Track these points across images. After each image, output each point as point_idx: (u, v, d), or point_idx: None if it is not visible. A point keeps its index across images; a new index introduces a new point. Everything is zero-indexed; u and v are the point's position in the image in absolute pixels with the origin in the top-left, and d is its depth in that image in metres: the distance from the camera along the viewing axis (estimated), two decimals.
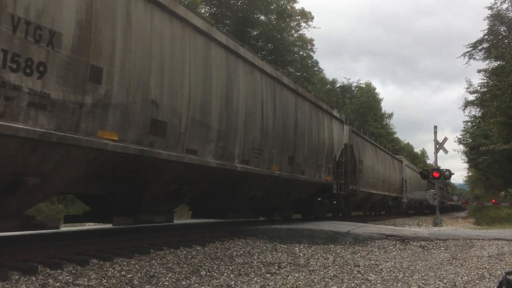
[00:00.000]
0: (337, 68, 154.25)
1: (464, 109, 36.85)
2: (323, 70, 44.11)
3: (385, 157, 23.07)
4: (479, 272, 5.54)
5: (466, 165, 50.99)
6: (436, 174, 19.14)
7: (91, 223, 9.32)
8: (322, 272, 5.56)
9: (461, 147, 40.12)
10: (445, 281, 5.07)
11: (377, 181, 20.60)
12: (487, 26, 30.48)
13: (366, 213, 23.39)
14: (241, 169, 8.00)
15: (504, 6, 29.07)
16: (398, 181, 26.01)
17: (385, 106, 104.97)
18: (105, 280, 4.42)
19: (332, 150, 12.89)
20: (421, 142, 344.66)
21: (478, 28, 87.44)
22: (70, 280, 4.25)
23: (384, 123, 52.22)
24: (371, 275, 5.41)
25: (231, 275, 5.22)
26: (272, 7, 32.23)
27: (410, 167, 31.33)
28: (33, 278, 4.16)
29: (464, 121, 39.21)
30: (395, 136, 56.94)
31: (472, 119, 36.97)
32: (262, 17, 32.52)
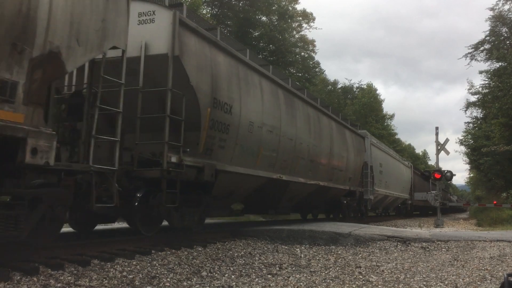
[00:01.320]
0: (339, 69, 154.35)
1: (465, 110, 36.79)
2: (324, 71, 44.15)
3: (314, 115, 12.19)
4: (481, 274, 5.52)
5: (467, 166, 51.01)
6: (437, 176, 19.30)
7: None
8: (323, 273, 5.56)
9: (463, 148, 40.12)
10: (446, 282, 5.06)
11: (285, 154, 10.07)
12: (489, 27, 30.43)
13: (306, 217, 16.15)
14: None
15: (506, 7, 29.01)
16: (355, 165, 15.65)
17: (388, 107, 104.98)
18: (106, 281, 4.43)
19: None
20: (423, 144, 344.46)
21: (481, 29, 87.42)
22: (71, 281, 4.26)
23: (385, 124, 52.20)
24: (372, 276, 5.41)
25: (232, 276, 5.22)
26: (273, 8, 32.24)
27: (381, 149, 21.49)
28: (35, 279, 4.17)
29: (465, 122, 39.17)
30: (396, 137, 56.93)
31: (474, 120, 36.91)
32: (264, 18, 32.55)
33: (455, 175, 20.56)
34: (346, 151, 14.75)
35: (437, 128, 21.00)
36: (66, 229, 9.01)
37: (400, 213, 28.99)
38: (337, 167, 13.97)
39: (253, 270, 5.64)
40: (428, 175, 19.81)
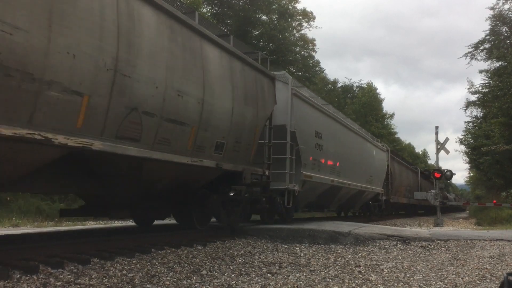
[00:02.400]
0: (339, 68, 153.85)
1: (465, 110, 36.76)
2: (324, 70, 44.19)
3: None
4: (480, 273, 5.53)
5: (467, 166, 51.01)
6: (437, 175, 19.20)
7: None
8: (323, 272, 5.56)
9: (463, 147, 40.11)
10: (446, 281, 5.07)
11: None
12: (489, 27, 30.41)
13: (150, 225, 8.28)
14: None
15: (506, 6, 29.00)
16: (240, 123, 7.94)
17: (388, 106, 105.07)
18: (106, 279, 4.43)
19: None
20: (423, 143, 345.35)
21: (481, 28, 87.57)
22: (71, 279, 4.26)
23: (385, 123, 52.21)
24: (372, 275, 5.41)
25: (232, 275, 5.23)
26: (273, 7, 32.23)
27: (322, 111, 12.72)
28: (35, 277, 4.17)
29: (465, 122, 39.11)
30: (396, 136, 56.94)
31: (474, 119, 36.89)
32: (264, 17, 32.54)
33: (455, 174, 20.51)
34: (200, 86, 6.83)
35: (437, 127, 20.96)
36: (66, 227, 9.03)
37: (372, 212, 19.85)
38: (161, 116, 6.00)
39: (253, 269, 5.64)
40: (428, 174, 19.76)
